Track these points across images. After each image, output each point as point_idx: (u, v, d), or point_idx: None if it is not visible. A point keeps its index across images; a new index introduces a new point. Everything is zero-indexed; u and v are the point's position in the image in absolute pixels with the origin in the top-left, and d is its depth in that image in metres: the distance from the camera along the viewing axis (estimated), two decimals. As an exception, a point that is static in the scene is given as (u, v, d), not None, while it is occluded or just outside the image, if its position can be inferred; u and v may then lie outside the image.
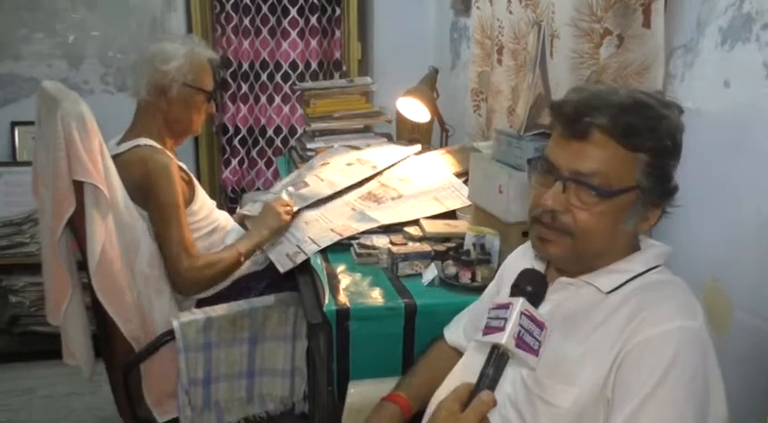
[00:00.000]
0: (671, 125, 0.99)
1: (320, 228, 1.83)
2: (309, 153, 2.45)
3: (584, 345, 0.99)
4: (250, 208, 2.10)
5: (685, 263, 1.14)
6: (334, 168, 2.15)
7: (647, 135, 0.97)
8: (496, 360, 0.91)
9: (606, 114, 0.97)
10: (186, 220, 1.83)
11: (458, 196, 1.94)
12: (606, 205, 0.98)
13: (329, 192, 2.00)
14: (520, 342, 0.89)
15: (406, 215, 1.86)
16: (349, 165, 2.20)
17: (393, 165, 2.16)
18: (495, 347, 0.91)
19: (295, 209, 1.93)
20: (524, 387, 1.02)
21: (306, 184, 2.07)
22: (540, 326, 0.92)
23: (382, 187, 2.05)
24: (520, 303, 0.91)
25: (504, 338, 0.89)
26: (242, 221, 2.14)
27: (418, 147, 2.30)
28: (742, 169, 1.22)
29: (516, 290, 0.96)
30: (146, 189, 1.76)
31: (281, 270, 1.73)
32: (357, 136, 2.50)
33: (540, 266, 1.15)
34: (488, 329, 0.92)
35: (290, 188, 2.08)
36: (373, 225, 1.81)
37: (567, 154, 1.00)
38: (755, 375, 1.17)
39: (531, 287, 0.96)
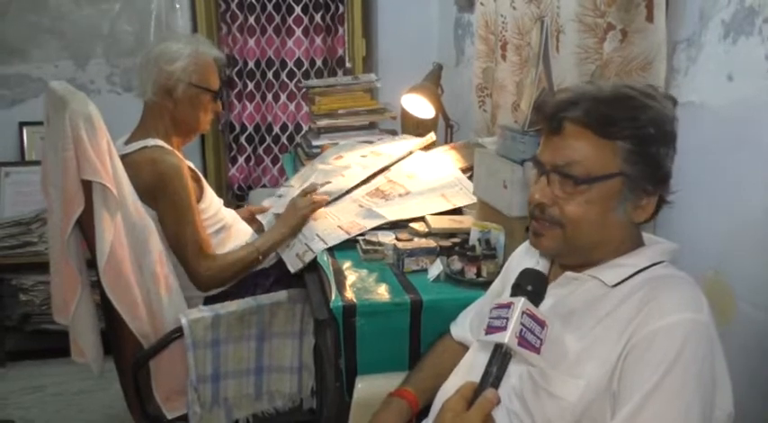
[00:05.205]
0: (656, 114, 1.01)
1: (328, 224, 1.84)
2: (315, 150, 2.46)
3: (589, 337, 1.00)
4: (272, 203, 2.14)
5: (688, 255, 1.14)
6: (351, 161, 2.17)
7: (624, 124, 1.00)
8: (499, 358, 0.92)
9: (580, 108, 1.01)
10: (200, 220, 1.85)
11: (465, 193, 1.95)
12: (591, 194, 1.01)
13: (353, 183, 2.02)
14: (522, 341, 0.91)
15: (413, 211, 1.86)
16: (363, 157, 2.21)
17: (408, 155, 2.17)
18: (497, 346, 0.93)
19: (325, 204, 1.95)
20: (531, 380, 1.03)
21: (328, 181, 2.08)
22: (541, 324, 0.94)
23: (390, 183, 2.06)
24: (521, 303, 0.93)
25: (507, 338, 0.91)
26: (250, 217, 2.16)
27: (432, 136, 2.29)
28: (745, 162, 1.22)
29: (517, 289, 0.98)
30: (156, 191, 1.77)
31: (292, 270, 1.75)
32: (362, 133, 2.51)
33: (545, 262, 1.16)
34: (491, 329, 0.93)
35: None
36: (380, 221, 1.81)
37: (549, 149, 1.05)
38: (759, 366, 1.17)
39: (532, 286, 0.98)
